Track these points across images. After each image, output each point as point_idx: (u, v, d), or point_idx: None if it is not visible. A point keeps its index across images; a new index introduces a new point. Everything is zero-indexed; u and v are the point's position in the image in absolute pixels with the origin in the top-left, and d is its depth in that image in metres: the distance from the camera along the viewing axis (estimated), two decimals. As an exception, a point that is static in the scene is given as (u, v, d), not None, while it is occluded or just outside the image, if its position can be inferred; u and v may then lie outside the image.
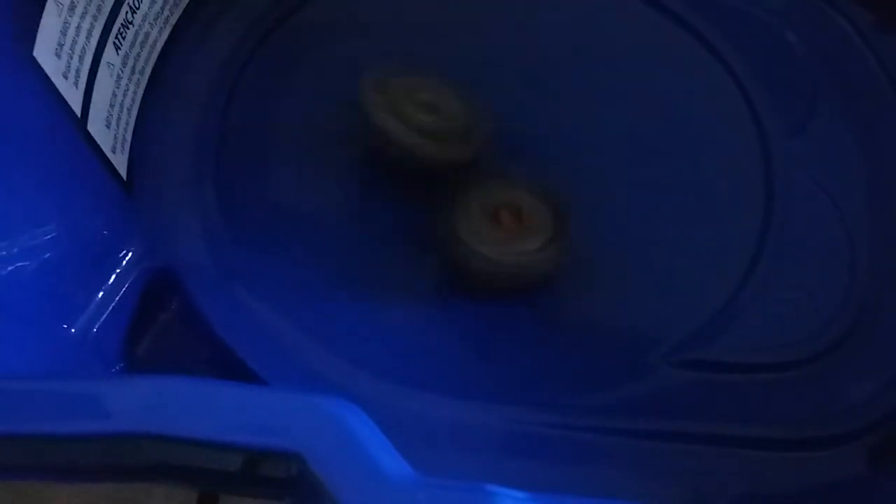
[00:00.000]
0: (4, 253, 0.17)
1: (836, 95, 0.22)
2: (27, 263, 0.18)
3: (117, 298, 0.19)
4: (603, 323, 0.20)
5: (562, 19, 0.23)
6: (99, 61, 0.19)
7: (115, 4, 0.20)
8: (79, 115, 0.19)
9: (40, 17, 0.17)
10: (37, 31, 0.17)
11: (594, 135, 0.22)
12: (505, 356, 0.20)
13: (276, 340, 0.19)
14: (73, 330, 0.18)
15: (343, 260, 0.20)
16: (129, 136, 0.21)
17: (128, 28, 0.20)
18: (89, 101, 0.19)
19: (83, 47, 0.19)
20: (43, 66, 0.18)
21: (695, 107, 0.22)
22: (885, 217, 0.21)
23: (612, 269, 0.20)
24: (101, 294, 0.19)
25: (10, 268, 0.17)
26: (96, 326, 0.19)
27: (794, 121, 0.21)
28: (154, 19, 0.21)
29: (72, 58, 0.18)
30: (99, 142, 0.19)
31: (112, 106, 0.20)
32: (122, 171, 0.20)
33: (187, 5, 0.22)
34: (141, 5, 0.21)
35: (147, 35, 0.21)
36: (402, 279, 0.20)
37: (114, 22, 0.20)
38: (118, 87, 0.20)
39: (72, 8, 0.18)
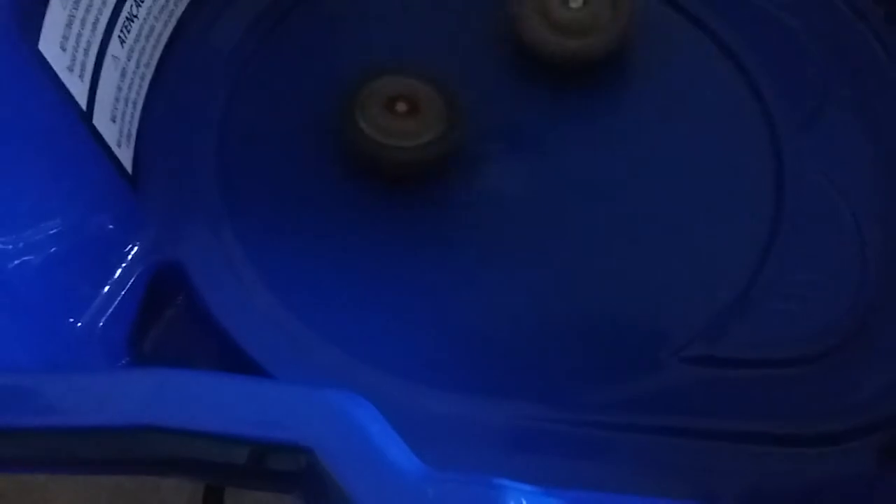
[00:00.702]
0: (10, 247, 0.17)
1: (847, 90, 0.22)
2: (33, 258, 0.18)
3: (123, 293, 0.19)
4: (611, 318, 0.20)
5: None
6: (104, 54, 0.19)
7: (119, -2, 0.20)
8: (84, 108, 0.19)
9: (45, 11, 0.17)
10: (42, 24, 0.17)
11: (601, 129, 0.22)
12: (513, 352, 0.19)
13: (283, 334, 0.19)
14: (79, 324, 0.18)
15: (350, 253, 0.20)
16: (134, 130, 0.20)
17: (133, 21, 0.20)
18: (94, 95, 0.19)
19: (88, 40, 0.19)
20: (48, 59, 0.17)
21: (704, 101, 0.22)
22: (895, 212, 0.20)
23: (621, 265, 0.20)
24: (106, 288, 0.19)
25: (16, 262, 0.17)
26: (102, 321, 0.19)
27: (805, 115, 0.21)
28: (159, 12, 0.21)
29: (77, 51, 0.18)
30: (104, 136, 0.19)
31: (117, 100, 0.20)
32: (128, 166, 0.20)
33: (192, -1, 0.22)
34: (146, -2, 0.20)
35: (152, 28, 0.21)
36: (408, 274, 0.20)
37: (119, 15, 0.20)
38: (123, 81, 0.20)
39: (77, 1, 0.18)
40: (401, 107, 0.20)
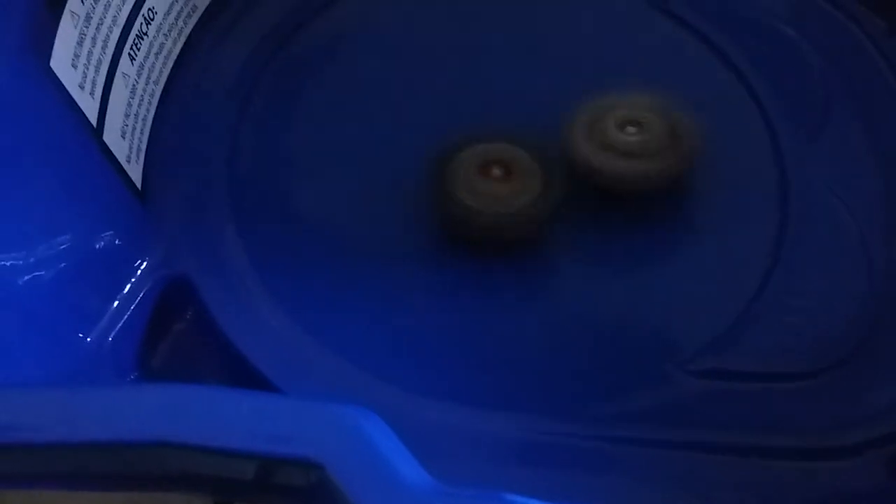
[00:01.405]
0: (21, 263, 0.17)
1: (850, 102, 0.22)
2: (43, 273, 0.18)
3: (132, 308, 0.19)
4: (618, 332, 0.20)
5: (571, 27, 0.23)
6: (114, 72, 0.19)
7: (130, 15, 0.20)
8: (95, 125, 0.19)
9: (57, 29, 0.18)
10: (53, 42, 0.18)
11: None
12: (522, 365, 0.19)
13: (291, 349, 0.19)
14: (88, 339, 0.19)
15: (359, 268, 0.20)
16: (143, 146, 0.21)
17: (143, 39, 0.20)
18: (105, 112, 0.19)
19: (99, 58, 0.19)
20: (60, 77, 0.18)
21: (707, 115, 0.22)
22: (901, 223, 0.20)
23: (627, 279, 0.20)
24: (116, 303, 0.19)
25: (26, 277, 0.18)
26: (111, 336, 0.19)
27: (808, 128, 0.21)
28: (169, 30, 0.21)
29: (88, 69, 0.19)
30: (114, 152, 0.19)
31: (127, 116, 0.20)
32: (137, 181, 0.20)
33: (201, 16, 0.22)
34: (156, 17, 0.21)
35: (162, 45, 0.21)
36: (419, 287, 0.20)
37: (129, 33, 0.20)
38: (133, 98, 0.20)
39: (88, 19, 0.18)
40: (495, 172, 0.20)
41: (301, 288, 0.20)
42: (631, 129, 0.20)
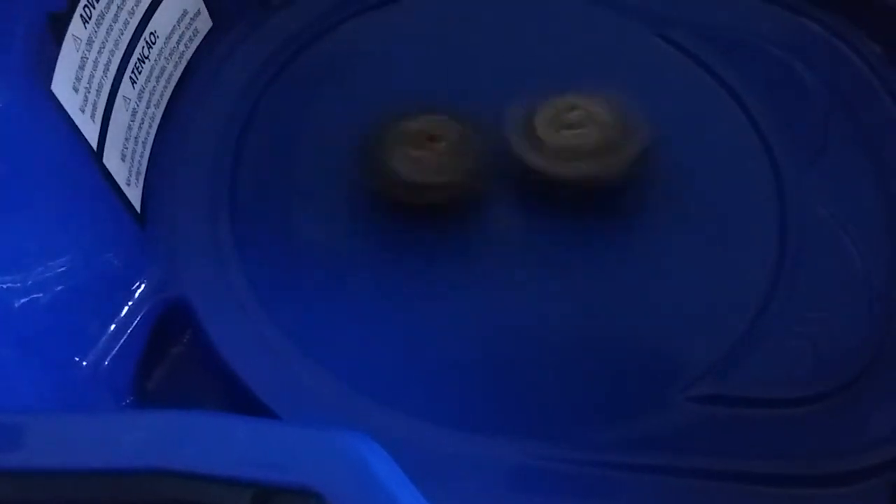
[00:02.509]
0: (19, 286, 0.17)
1: (848, 127, 0.22)
2: (41, 296, 0.18)
3: (129, 331, 0.19)
4: (617, 357, 0.20)
5: (573, 51, 0.23)
6: (115, 95, 0.20)
7: (131, 39, 0.20)
8: (95, 148, 0.19)
9: (59, 52, 0.18)
10: (55, 66, 0.18)
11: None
12: (520, 390, 0.19)
13: (289, 374, 0.19)
14: (84, 363, 0.18)
15: (357, 292, 0.20)
16: (143, 169, 0.21)
17: (144, 62, 0.20)
18: (105, 135, 0.19)
19: (100, 81, 0.19)
20: (61, 100, 0.18)
21: (707, 141, 0.22)
22: (900, 248, 0.20)
23: (626, 305, 0.20)
24: (113, 327, 0.19)
25: (23, 300, 0.17)
26: (108, 360, 0.19)
27: (807, 154, 0.22)
28: (170, 54, 0.21)
29: (89, 92, 0.19)
30: (114, 175, 0.19)
31: (127, 139, 0.20)
32: (136, 204, 0.20)
33: (202, 41, 0.22)
34: (157, 40, 0.21)
35: (163, 69, 0.21)
36: (416, 312, 0.20)
37: (130, 56, 0.20)
38: (134, 121, 0.20)
39: (89, 43, 0.19)
40: (434, 144, 0.20)
41: (300, 312, 0.20)
42: (569, 130, 0.20)
